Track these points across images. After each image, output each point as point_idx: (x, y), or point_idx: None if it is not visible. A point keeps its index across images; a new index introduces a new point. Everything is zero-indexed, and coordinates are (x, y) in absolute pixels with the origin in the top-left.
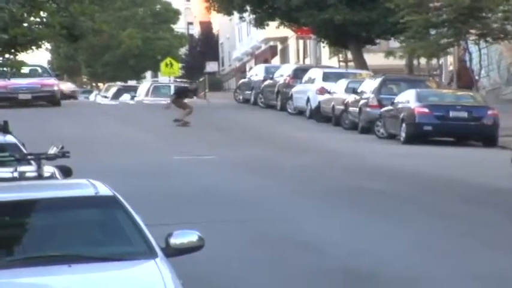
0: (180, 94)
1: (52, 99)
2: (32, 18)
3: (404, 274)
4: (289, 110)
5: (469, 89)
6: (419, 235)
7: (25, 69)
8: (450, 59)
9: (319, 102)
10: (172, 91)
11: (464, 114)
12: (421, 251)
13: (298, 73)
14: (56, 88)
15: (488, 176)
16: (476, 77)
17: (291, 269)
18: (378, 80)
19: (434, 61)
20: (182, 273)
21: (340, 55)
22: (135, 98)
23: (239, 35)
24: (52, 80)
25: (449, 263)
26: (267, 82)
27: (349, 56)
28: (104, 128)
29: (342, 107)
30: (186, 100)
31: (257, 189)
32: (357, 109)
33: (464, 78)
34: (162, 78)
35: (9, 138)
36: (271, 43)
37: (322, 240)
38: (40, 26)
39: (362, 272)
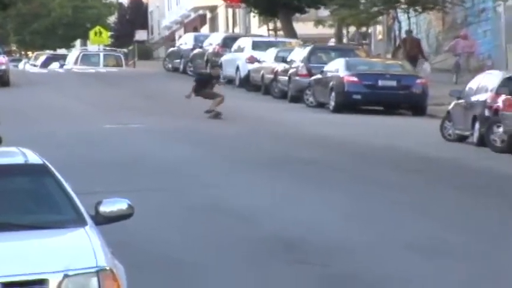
0: (203, 83)
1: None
2: None
3: (336, 242)
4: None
5: (416, 58)
6: (349, 203)
7: None
8: (379, 28)
9: (248, 71)
10: (102, 60)
11: (393, 83)
12: (352, 219)
13: (228, 42)
14: (4, 67)
15: (418, 145)
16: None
17: (222, 237)
18: (307, 49)
19: (363, 30)
20: (112, 241)
21: (270, 24)
22: (64, 67)
23: (168, 4)
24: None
25: (381, 230)
26: (196, 51)
27: (279, 25)
28: (33, 97)
29: (272, 76)
30: (215, 89)
31: (186, 157)
32: (287, 78)
33: (412, 48)
34: (92, 47)
35: None
36: (201, 12)
37: (253, 209)
38: None
39: (293, 240)
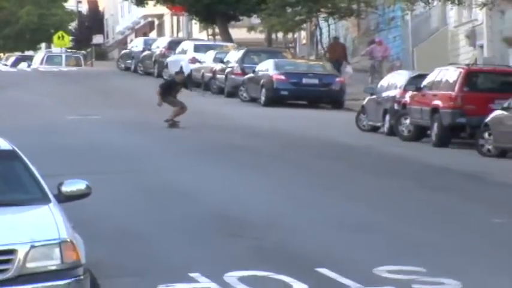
0: (168, 89)
1: None
2: None
3: (269, 219)
4: (164, 77)
5: (341, 61)
6: (280, 185)
7: None
8: (303, 33)
9: (191, 70)
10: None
11: (316, 81)
12: (283, 199)
13: (173, 45)
14: None
15: (337, 134)
16: (326, 49)
17: (170, 214)
18: (241, 52)
19: (290, 35)
20: (73, 217)
21: (209, 30)
22: (31, 66)
23: (121, 12)
24: None
25: (308, 209)
26: (145, 53)
27: (217, 30)
28: (3, 92)
29: (211, 75)
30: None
31: (137, 145)
32: (224, 76)
33: (337, 52)
34: (55, 49)
35: None
36: (149, 19)
37: (196, 190)
38: None
39: (232, 217)
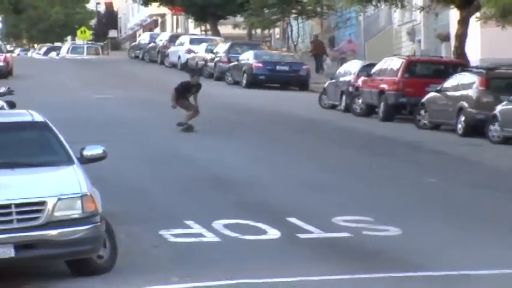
0: (182, 92)
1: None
2: None
3: (249, 179)
4: (166, 64)
5: (321, 55)
6: (258, 152)
7: None
8: (277, 30)
9: (187, 59)
10: (85, 50)
11: (287, 68)
12: (260, 163)
13: (173, 39)
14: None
15: (304, 111)
16: (295, 43)
17: (170, 174)
18: (228, 44)
19: (266, 31)
20: (92, 176)
21: (202, 26)
22: (59, 55)
23: (132, 12)
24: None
25: (281, 172)
26: (151, 44)
27: (208, 27)
28: (37, 75)
29: (203, 62)
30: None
31: (144, 119)
32: (213, 64)
33: (318, 47)
34: (78, 41)
35: None
36: (154, 17)
37: (192, 156)
38: None
39: (220, 177)
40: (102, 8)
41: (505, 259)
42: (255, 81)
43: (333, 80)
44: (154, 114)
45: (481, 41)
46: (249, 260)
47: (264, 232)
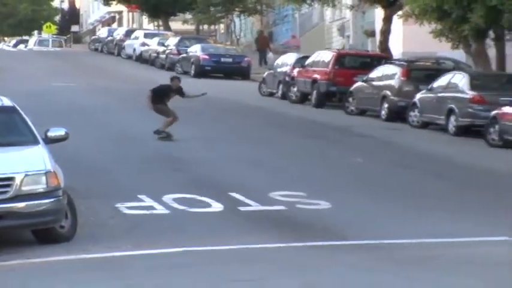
0: (160, 96)
1: None
2: None
3: (198, 158)
4: (123, 56)
5: (265, 49)
6: (206, 134)
7: None
8: (222, 26)
9: (141, 51)
10: (50, 43)
11: (230, 60)
12: (207, 143)
13: (129, 33)
14: None
15: (245, 98)
16: (238, 37)
17: (125, 154)
18: (177, 38)
19: (212, 27)
20: (56, 155)
21: (155, 22)
22: (27, 47)
23: (92, 9)
24: None
25: (223, 150)
26: (109, 38)
27: (160, 23)
28: (8, 64)
29: (155, 55)
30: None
31: (105, 104)
32: (165, 56)
33: (263, 42)
34: (44, 35)
35: None
36: (112, 14)
37: (145, 137)
38: None
39: (170, 156)
40: (65, 6)
41: (423, 229)
42: (202, 72)
43: (271, 71)
44: (111, 99)
45: (403, 37)
46: (195, 230)
47: (209, 205)
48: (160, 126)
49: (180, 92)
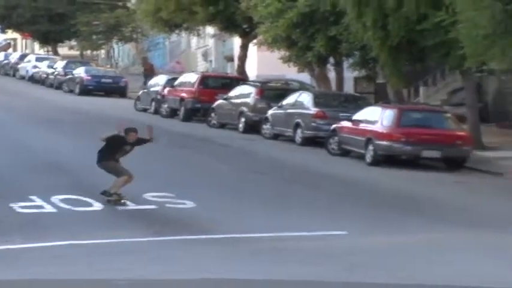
0: (113, 149)
1: None
2: None
3: (80, 163)
4: (17, 77)
5: (150, 73)
6: (87, 143)
7: None
8: (103, 51)
9: (33, 73)
10: None
11: (110, 80)
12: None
13: (23, 57)
14: None
15: (123, 113)
16: (117, 61)
17: (17, 160)
18: (64, 62)
19: (95, 52)
20: None
21: (45, 48)
22: None
23: None
24: None
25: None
26: (5, 61)
27: (50, 48)
28: None
29: (45, 75)
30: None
31: (4, 120)
32: (53, 77)
33: (149, 68)
34: None
35: None
36: (8, 41)
37: (34, 146)
38: None
39: (58, 161)
40: None
41: (276, 225)
42: (86, 90)
43: (146, 90)
44: (13, 116)
45: (258, 61)
46: (79, 226)
47: (91, 205)
48: (110, 187)
49: (138, 143)
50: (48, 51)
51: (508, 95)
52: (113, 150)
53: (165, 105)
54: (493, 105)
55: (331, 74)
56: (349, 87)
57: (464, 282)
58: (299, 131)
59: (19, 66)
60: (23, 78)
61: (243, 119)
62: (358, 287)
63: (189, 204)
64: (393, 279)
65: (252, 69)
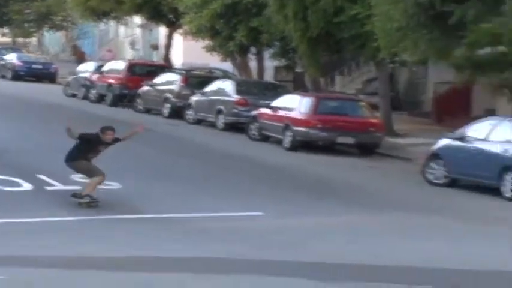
0: (86, 148)
1: None
2: None
3: (14, 147)
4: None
5: (82, 60)
6: (20, 126)
7: None
8: (34, 39)
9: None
10: None
11: (40, 66)
12: (22, 135)
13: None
14: None
15: (53, 98)
16: (47, 48)
17: None
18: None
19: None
20: None
21: None
22: None
23: None
24: None
25: (33, 140)
26: None
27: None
28: None
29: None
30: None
31: None
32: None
33: (80, 55)
34: None
35: None
36: None
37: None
38: None
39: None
40: None
41: (200, 206)
42: (17, 76)
43: (75, 76)
44: None
45: (183, 50)
46: (9, 206)
47: (20, 185)
48: (83, 188)
49: (114, 142)
50: None
51: (418, 85)
52: (85, 149)
53: (94, 91)
54: (405, 95)
55: (253, 63)
56: (269, 76)
57: (374, 261)
58: (221, 116)
59: None
60: None
61: (167, 105)
62: (265, 265)
63: (115, 185)
64: (304, 258)
65: (177, 58)
